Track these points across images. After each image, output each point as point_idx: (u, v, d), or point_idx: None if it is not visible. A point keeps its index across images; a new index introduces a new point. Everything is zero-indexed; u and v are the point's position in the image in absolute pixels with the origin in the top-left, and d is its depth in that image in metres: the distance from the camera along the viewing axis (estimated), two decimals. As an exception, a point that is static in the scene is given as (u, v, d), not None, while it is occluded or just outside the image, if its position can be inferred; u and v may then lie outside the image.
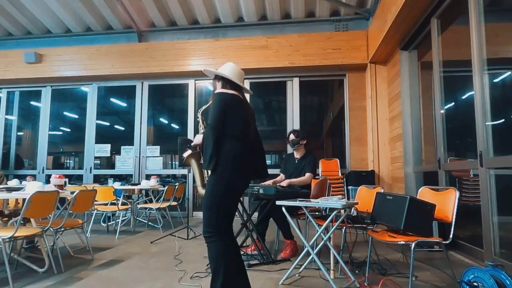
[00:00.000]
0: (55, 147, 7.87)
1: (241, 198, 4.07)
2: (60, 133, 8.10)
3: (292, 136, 4.00)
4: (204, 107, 2.58)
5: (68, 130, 8.25)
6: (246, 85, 6.95)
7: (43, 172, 7.33)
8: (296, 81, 6.82)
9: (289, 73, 6.73)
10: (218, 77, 2.30)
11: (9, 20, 7.31)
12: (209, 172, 2.09)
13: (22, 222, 2.76)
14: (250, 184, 3.79)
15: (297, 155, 4.03)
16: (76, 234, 3.99)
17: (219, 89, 2.22)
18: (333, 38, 6.39)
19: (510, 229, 3.10)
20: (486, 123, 3.07)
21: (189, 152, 2.47)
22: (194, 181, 6.75)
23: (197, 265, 3.22)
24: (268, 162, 7.66)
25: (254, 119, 2.31)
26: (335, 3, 6.36)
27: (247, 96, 2.48)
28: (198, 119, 2.67)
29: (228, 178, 2.04)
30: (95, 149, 7.26)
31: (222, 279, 1.90)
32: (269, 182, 3.93)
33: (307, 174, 3.81)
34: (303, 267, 2.93)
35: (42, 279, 2.82)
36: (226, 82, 2.25)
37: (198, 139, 2.28)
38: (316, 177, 4.39)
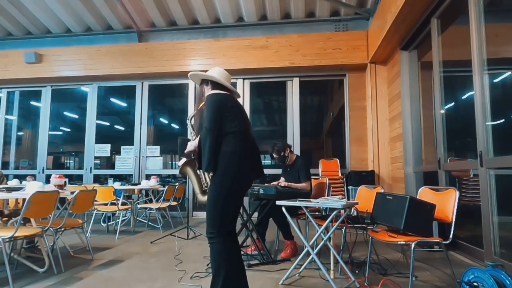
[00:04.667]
0: (55, 147, 7.87)
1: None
2: (60, 133, 8.10)
3: (275, 156, 3.91)
4: (193, 114, 2.49)
5: (68, 130, 8.25)
6: (246, 85, 7.02)
7: (43, 172, 7.33)
8: (296, 81, 6.82)
9: (289, 73, 6.73)
10: (205, 81, 2.25)
11: (9, 20, 7.31)
12: (208, 175, 2.05)
13: (22, 222, 2.76)
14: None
15: (288, 162, 3.97)
16: (76, 234, 4.00)
17: (211, 91, 2.16)
18: (333, 38, 6.39)
19: (510, 229, 3.10)
20: (486, 123, 3.07)
21: (183, 160, 2.36)
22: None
23: (197, 265, 3.22)
24: (267, 162, 7.67)
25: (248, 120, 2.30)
26: (335, 3, 6.36)
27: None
28: (188, 127, 2.52)
29: (232, 177, 2.00)
30: (95, 149, 7.26)
31: (222, 282, 1.89)
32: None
33: (305, 182, 3.75)
34: (303, 267, 2.93)
35: (42, 279, 2.83)
36: (216, 86, 2.20)
37: (191, 146, 2.19)
38: (316, 177, 4.39)
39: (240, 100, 2.37)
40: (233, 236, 2.05)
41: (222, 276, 1.89)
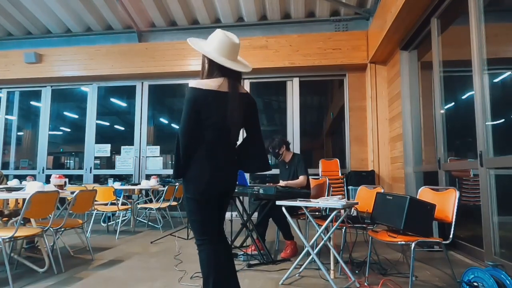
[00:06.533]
0: (55, 147, 7.87)
1: (241, 198, 4.12)
2: (60, 133, 8.10)
3: (269, 150, 3.89)
4: None
5: (68, 130, 8.25)
6: (246, 85, 7.01)
7: (43, 172, 7.33)
8: (296, 81, 6.82)
9: (289, 73, 6.73)
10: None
11: (9, 20, 7.31)
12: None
13: (22, 222, 2.76)
14: (250, 184, 3.80)
15: (285, 159, 3.96)
16: (76, 234, 4.00)
17: (196, 80, 1.84)
18: (333, 38, 6.39)
19: (510, 229, 3.10)
20: (486, 123, 3.07)
21: None
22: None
23: (197, 265, 3.17)
24: (268, 162, 7.65)
25: (242, 110, 1.90)
26: (335, 3, 6.36)
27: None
28: None
29: (197, 184, 1.84)
30: (95, 149, 7.26)
31: (211, 287, 1.86)
32: None
33: (301, 177, 3.74)
34: (303, 267, 2.93)
35: (42, 279, 2.83)
36: (213, 63, 1.86)
37: None
38: (316, 177, 4.40)
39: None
40: (222, 241, 1.97)
41: (212, 283, 1.86)
